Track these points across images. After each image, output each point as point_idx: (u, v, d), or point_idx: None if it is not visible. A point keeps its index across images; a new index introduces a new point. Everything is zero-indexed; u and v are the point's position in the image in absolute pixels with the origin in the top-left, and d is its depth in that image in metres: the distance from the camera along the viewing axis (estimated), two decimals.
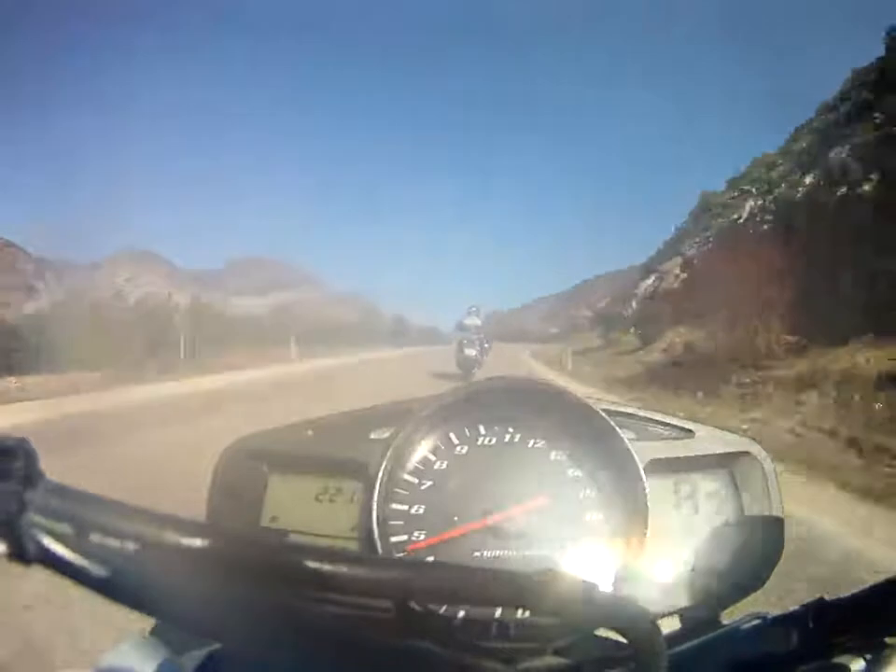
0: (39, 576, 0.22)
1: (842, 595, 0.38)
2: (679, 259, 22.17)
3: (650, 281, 25.14)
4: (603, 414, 0.52)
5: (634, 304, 24.68)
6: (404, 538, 0.50)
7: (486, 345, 11.82)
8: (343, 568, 0.22)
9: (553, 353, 25.64)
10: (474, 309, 12.04)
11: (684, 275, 19.51)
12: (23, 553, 0.20)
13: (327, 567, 0.22)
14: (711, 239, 18.47)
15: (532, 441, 0.54)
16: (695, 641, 0.45)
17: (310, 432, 0.57)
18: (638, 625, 0.25)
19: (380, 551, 0.48)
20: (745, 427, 5.53)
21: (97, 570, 0.21)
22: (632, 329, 20.39)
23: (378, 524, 0.49)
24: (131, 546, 0.21)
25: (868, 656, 0.35)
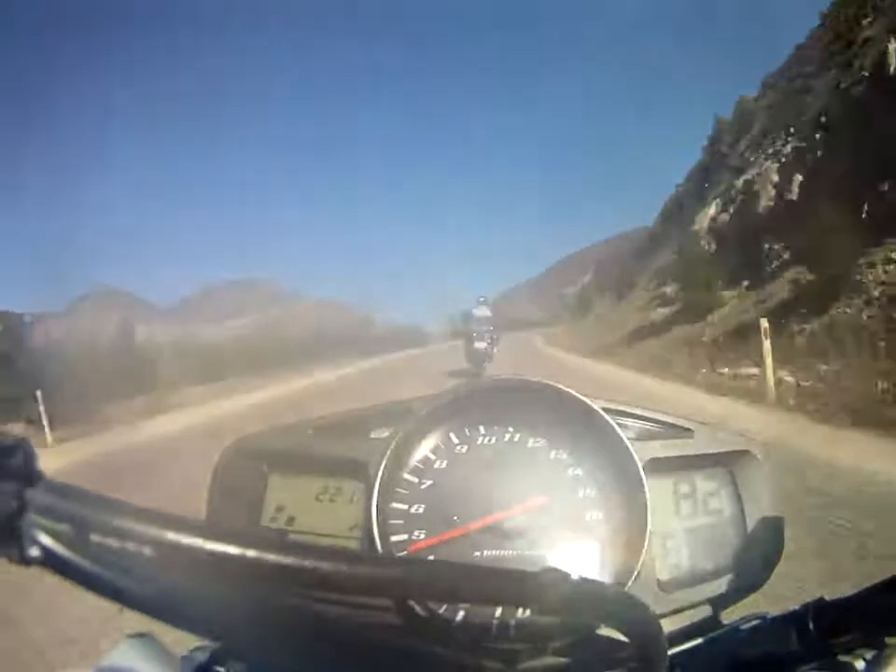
0: (40, 576, 0.22)
1: (842, 596, 0.38)
2: (764, 166, 14.00)
3: (710, 211, 16.30)
4: (603, 413, 0.52)
5: (709, 245, 15.50)
6: (404, 537, 0.50)
7: (495, 337, 11.38)
8: (342, 567, 0.22)
9: (589, 343, 18.53)
10: (483, 299, 11.57)
11: (800, 178, 12.06)
12: (23, 553, 0.20)
13: (326, 566, 0.22)
14: (825, 118, 11.71)
15: (532, 441, 0.54)
16: (695, 641, 0.45)
17: (310, 431, 0.57)
18: (640, 624, 0.25)
19: (380, 550, 0.48)
20: None
21: (97, 570, 0.21)
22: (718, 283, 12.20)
23: (378, 523, 0.49)
24: (131, 546, 0.21)
25: (868, 656, 0.35)
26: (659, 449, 0.53)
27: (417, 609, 0.42)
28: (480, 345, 10.58)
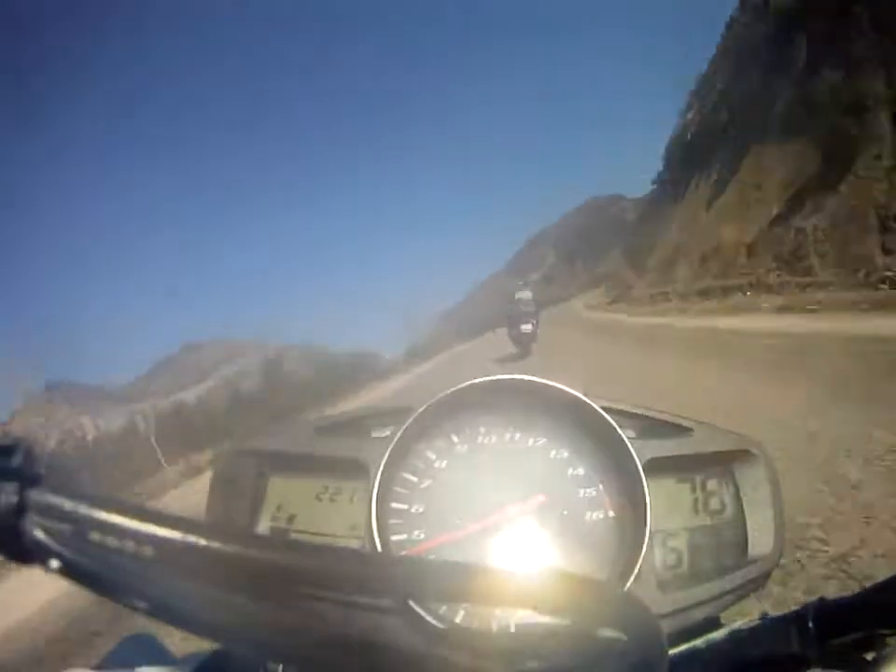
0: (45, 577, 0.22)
1: (842, 595, 0.38)
2: None
3: None
4: (602, 413, 0.53)
5: None
6: (404, 537, 0.50)
7: (538, 320, 11.43)
8: (342, 567, 0.22)
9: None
10: (522, 283, 11.93)
11: None
12: (24, 554, 0.20)
13: (326, 565, 0.22)
14: None
15: (532, 440, 0.54)
16: (695, 641, 0.45)
17: (310, 431, 0.57)
18: (640, 625, 0.25)
19: (380, 550, 0.48)
20: None
21: (97, 570, 0.21)
22: None
23: (378, 523, 0.49)
24: (131, 546, 0.21)
25: (868, 656, 0.35)
26: (659, 448, 0.53)
27: (417, 608, 0.42)
28: (526, 328, 10.78)
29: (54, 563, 0.21)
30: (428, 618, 0.43)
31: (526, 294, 11.39)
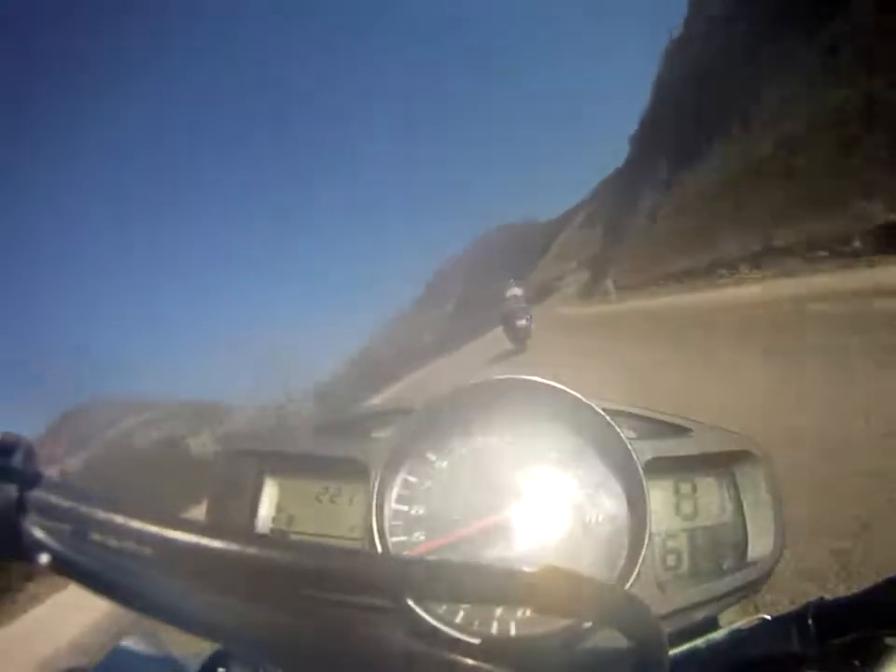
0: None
1: (842, 596, 0.38)
2: None
3: None
4: (602, 413, 0.53)
5: None
6: (404, 538, 0.50)
7: (531, 315, 11.44)
8: (342, 566, 0.22)
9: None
10: (512, 280, 12.09)
11: None
12: (23, 553, 0.20)
13: (325, 564, 0.22)
14: None
15: (532, 440, 0.54)
16: (695, 641, 0.45)
17: (309, 431, 0.57)
18: (642, 625, 0.25)
19: (380, 551, 0.48)
20: None
21: (97, 570, 0.21)
22: None
23: (378, 524, 0.49)
24: (131, 546, 0.21)
25: (868, 656, 0.35)
26: (659, 449, 0.53)
27: (417, 608, 0.42)
28: (521, 323, 10.95)
29: (54, 563, 0.21)
30: (428, 618, 0.43)
31: (517, 290, 11.60)
